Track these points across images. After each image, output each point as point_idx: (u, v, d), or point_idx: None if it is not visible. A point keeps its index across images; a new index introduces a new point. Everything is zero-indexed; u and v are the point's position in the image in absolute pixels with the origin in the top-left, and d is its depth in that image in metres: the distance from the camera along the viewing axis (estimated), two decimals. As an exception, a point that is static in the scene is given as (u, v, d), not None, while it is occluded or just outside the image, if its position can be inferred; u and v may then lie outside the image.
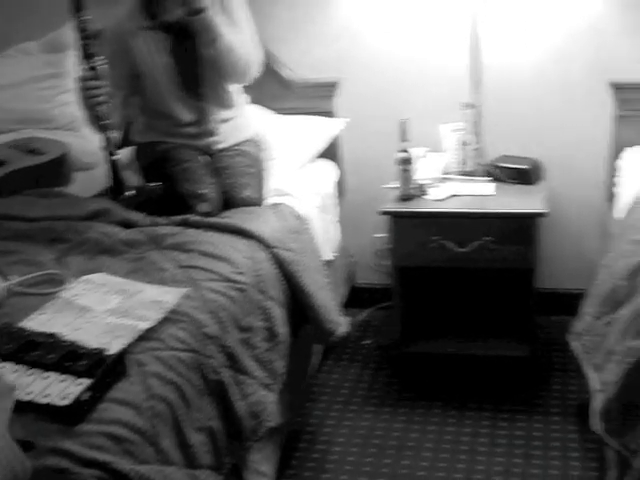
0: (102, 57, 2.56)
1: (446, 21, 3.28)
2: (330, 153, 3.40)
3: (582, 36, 3.21)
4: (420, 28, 3.32)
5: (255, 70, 2.84)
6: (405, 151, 2.99)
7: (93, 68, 2.55)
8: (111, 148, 2.63)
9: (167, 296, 2.05)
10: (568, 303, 3.32)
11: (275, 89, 3.41)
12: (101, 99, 2.56)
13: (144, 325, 1.91)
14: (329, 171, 3.37)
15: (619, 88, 3.22)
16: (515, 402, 2.98)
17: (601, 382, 2.30)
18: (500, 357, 3.17)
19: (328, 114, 3.41)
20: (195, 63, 2.79)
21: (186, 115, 2.85)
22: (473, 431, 2.83)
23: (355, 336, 3.39)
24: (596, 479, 2.53)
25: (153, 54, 2.79)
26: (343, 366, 3.28)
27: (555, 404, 2.96)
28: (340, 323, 2.71)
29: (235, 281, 2.28)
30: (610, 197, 3.25)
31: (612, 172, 3.25)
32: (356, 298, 3.53)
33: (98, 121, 2.60)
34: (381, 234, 3.48)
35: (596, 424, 2.22)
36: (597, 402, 2.26)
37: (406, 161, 3.00)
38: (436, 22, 3.30)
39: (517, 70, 3.31)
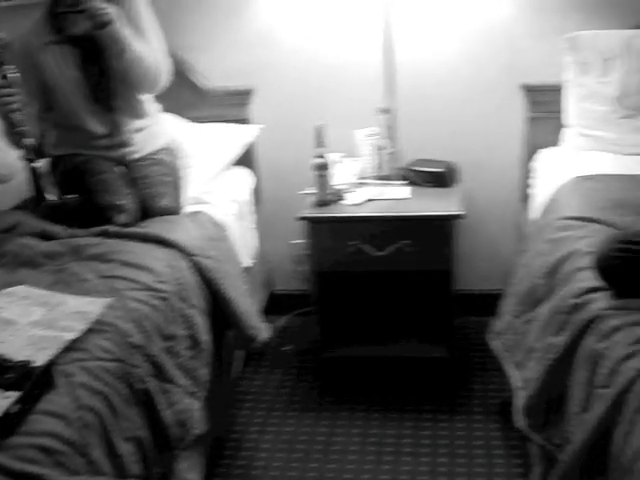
0: (13, 66, 2.56)
1: (360, 27, 3.36)
2: (246, 160, 3.44)
3: (495, 39, 3.33)
4: (334, 34, 3.39)
5: (165, 80, 2.88)
6: (321, 157, 3.05)
7: (4, 77, 2.54)
8: (31, 156, 2.62)
9: (91, 306, 2.07)
10: (485, 304, 3.44)
11: (190, 98, 3.44)
12: (15, 106, 2.55)
13: (69, 336, 1.93)
14: (245, 178, 3.41)
15: (531, 90, 3.35)
16: (437, 403, 3.07)
17: (522, 379, 2.40)
18: (420, 359, 3.26)
19: (243, 121, 3.45)
20: (105, 76, 2.80)
21: (99, 128, 2.85)
22: (397, 432, 2.90)
23: (275, 342, 3.44)
24: (521, 475, 2.63)
25: (62, 68, 2.79)
26: (264, 373, 3.33)
27: (477, 403, 3.06)
28: (262, 329, 2.78)
29: (157, 290, 2.31)
30: (525, 198, 3.37)
31: (526, 173, 3.38)
32: (274, 305, 3.57)
33: (13, 129, 2.59)
34: (298, 240, 3.54)
35: (519, 420, 2.31)
36: (519, 399, 2.35)
37: (322, 167, 3.06)
38: (350, 28, 3.37)
39: (431, 74, 3.41)
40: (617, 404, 1.75)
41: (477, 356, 3.36)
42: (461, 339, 3.47)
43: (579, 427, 1.91)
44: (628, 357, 1.83)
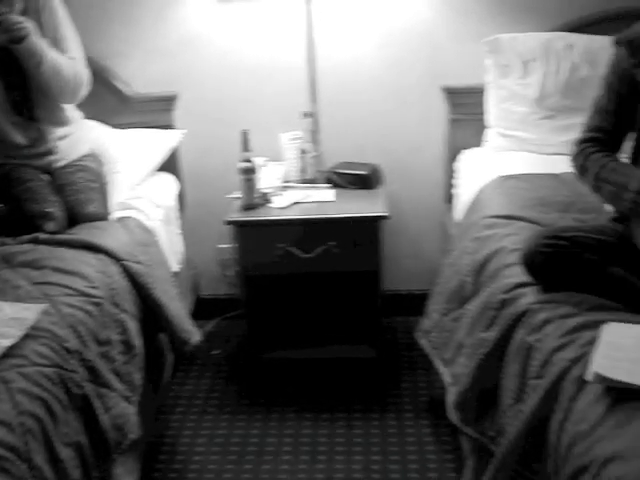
0: None
1: (282, 32, 3.39)
2: (169, 166, 3.44)
3: (416, 43, 3.40)
4: (257, 39, 3.42)
5: (85, 89, 2.88)
6: (248, 161, 3.07)
7: None
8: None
9: (26, 313, 2.06)
10: (412, 304, 3.53)
11: (114, 104, 3.42)
12: None
13: (6, 342, 1.92)
14: (170, 184, 3.41)
15: (452, 93, 3.44)
16: (368, 402, 3.11)
17: (452, 375, 2.47)
18: (349, 359, 3.30)
19: (168, 127, 3.45)
20: (25, 87, 2.78)
21: (21, 138, 2.83)
22: (330, 432, 2.94)
23: (203, 347, 3.43)
24: (453, 470, 2.69)
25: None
26: (195, 377, 3.33)
27: (406, 401, 3.11)
28: (193, 332, 2.80)
29: (90, 295, 2.31)
30: (449, 199, 3.46)
31: (449, 174, 3.47)
32: (201, 309, 3.57)
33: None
34: (225, 244, 3.56)
35: (452, 415, 2.37)
36: (451, 395, 2.41)
37: (249, 171, 3.09)
38: (273, 33, 3.40)
39: (353, 78, 3.46)
40: (551, 393, 1.82)
41: (405, 355, 3.42)
42: (389, 339, 3.53)
43: (514, 418, 1.98)
44: (559, 348, 1.90)
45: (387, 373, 3.30)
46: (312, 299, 3.40)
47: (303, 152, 3.35)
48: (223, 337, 3.62)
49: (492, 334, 2.23)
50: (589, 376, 1.69)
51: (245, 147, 3.06)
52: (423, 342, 2.83)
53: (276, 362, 3.30)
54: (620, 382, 1.64)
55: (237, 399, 3.18)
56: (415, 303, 3.49)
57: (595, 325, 1.91)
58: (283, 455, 2.82)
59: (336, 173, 3.36)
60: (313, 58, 3.37)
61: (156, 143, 3.32)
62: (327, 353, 3.30)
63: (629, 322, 1.92)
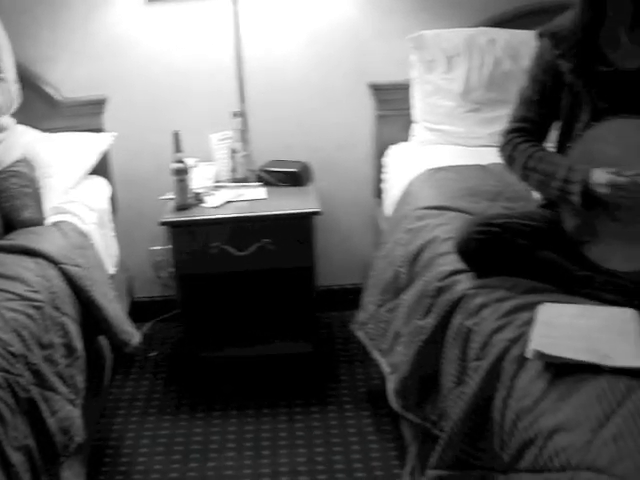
0: None
1: (210, 33, 3.42)
2: (100, 169, 3.43)
3: (341, 41, 3.46)
4: (186, 41, 3.44)
5: (16, 103, 2.92)
6: (180, 162, 3.09)
7: None
8: None
9: (-30, 318, 2.05)
10: (344, 298, 3.58)
11: (43, 109, 3.39)
12: None
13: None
14: (102, 187, 3.40)
15: (378, 89, 3.50)
16: (308, 396, 3.15)
17: (391, 364, 2.52)
18: (287, 355, 3.34)
19: (98, 131, 3.43)
20: None
21: None
22: (272, 427, 2.97)
23: (141, 349, 3.43)
24: (396, 457, 2.74)
25: None
26: (134, 380, 3.33)
27: (346, 393, 3.16)
28: (133, 333, 2.81)
29: (31, 299, 2.31)
30: (378, 193, 3.52)
31: (378, 169, 3.53)
32: (136, 312, 3.55)
33: None
34: (158, 246, 3.57)
35: (394, 403, 2.42)
36: (391, 383, 2.46)
37: (181, 171, 3.10)
38: (201, 34, 3.42)
39: (281, 76, 3.50)
40: (493, 373, 1.89)
41: (341, 349, 3.48)
42: (325, 334, 3.58)
43: (457, 400, 2.04)
44: (498, 330, 1.97)
45: (325, 367, 3.35)
46: (248, 297, 3.43)
47: (233, 152, 3.37)
48: (160, 339, 3.63)
49: (430, 321, 2.29)
50: (529, 353, 1.76)
51: (177, 148, 3.08)
52: (360, 334, 2.88)
53: (215, 361, 3.31)
54: (559, 357, 1.71)
55: (178, 399, 3.18)
56: (348, 297, 3.58)
57: (530, 307, 1.99)
58: (227, 452, 2.84)
59: (267, 171, 3.39)
60: (241, 58, 3.40)
61: (87, 147, 3.31)
62: (265, 350, 3.33)
63: (562, 302, 2.00)
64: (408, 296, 2.51)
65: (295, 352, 3.34)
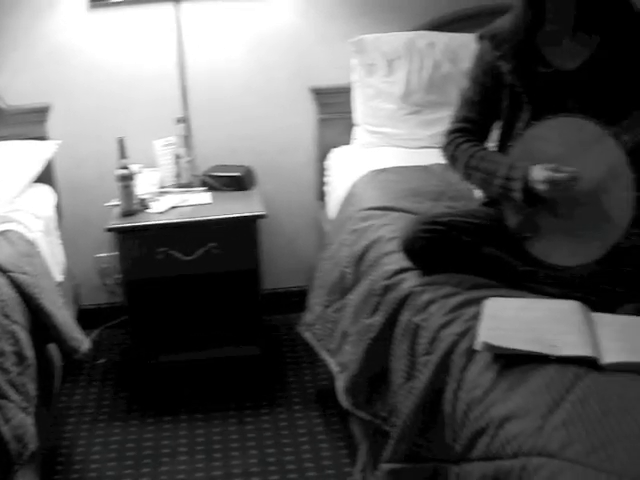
0: None
1: (153, 39, 3.42)
2: (45, 177, 3.40)
3: (282, 45, 3.49)
4: (129, 47, 3.43)
5: None
6: (125, 168, 3.08)
7: None
8: None
9: None
10: (289, 301, 3.61)
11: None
12: None
13: None
14: (47, 195, 3.37)
15: (320, 93, 3.54)
16: (258, 399, 3.16)
17: (339, 363, 2.55)
18: (235, 358, 3.35)
19: (42, 139, 3.40)
20: None
21: None
22: (223, 430, 2.97)
23: (90, 356, 3.40)
24: (347, 456, 2.77)
25: None
26: (83, 387, 3.30)
27: (295, 394, 3.18)
28: (82, 340, 2.80)
29: (-20, 307, 2.29)
30: (321, 196, 3.56)
31: (321, 172, 3.57)
32: (83, 320, 3.51)
33: None
34: (103, 253, 3.55)
35: (344, 401, 2.45)
36: (340, 381, 2.49)
37: (126, 177, 3.10)
38: (144, 41, 3.42)
39: (223, 81, 3.51)
40: (442, 367, 1.93)
41: (288, 351, 3.50)
42: (272, 336, 3.59)
43: (407, 395, 2.08)
44: (445, 325, 2.02)
45: (273, 369, 3.37)
46: (195, 301, 3.43)
47: (177, 157, 3.38)
48: (108, 346, 3.60)
49: (377, 319, 2.33)
50: (478, 346, 1.81)
51: (122, 154, 3.07)
52: (307, 335, 2.91)
53: (163, 366, 3.32)
54: (507, 349, 1.76)
55: (128, 405, 3.17)
56: (293, 300, 3.60)
57: (476, 302, 2.04)
58: (179, 456, 2.84)
59: (211, 176, 3.40)
60: (184, 64, 3.40)
61: (31, 155, 3.27)
62: (213, 354, 3.34)
63: (507, 297, 2.05)
64: (355, 296, 2.54)
65: (243, 355, 3.36)
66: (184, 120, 3.39)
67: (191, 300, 3.41)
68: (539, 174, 2.12)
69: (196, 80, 3.46)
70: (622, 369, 1.66)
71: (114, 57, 3.43)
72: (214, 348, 3.36)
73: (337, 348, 2.61)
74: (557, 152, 2.16)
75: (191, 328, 3.43)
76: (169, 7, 3.29)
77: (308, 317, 2.93)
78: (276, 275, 3.77)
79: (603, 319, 1.88)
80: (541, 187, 2.12)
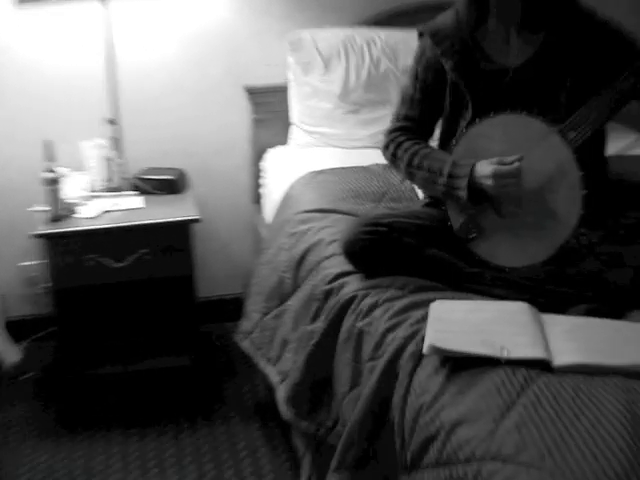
0: None
1: (81, 38, 3.35)
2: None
3: (216, 43, 3.46)
4: (57, 47, 3.35)
5: None
6: (52, 171, 3.02)
7: None
8: None
9: None
10: (224, 309, 3.57)
11: None
12: None
13: None
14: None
15: (254, 92, 3.51)
16: (194, 413, 3.11)
17: (280, 372, 2.52)
18: (170, 369, 3.29)
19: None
20: None
21: None
22: (158, 445, 2.92)
23: (16, 371, 3.33)
24: (290, 468, 2.75)
25: None
26: (8, 404, 3.20)
27: (233, 407, 3.14)
28: (11, 351, 2.73)
29: None
30: (257, 199, 3.53)
31: (257, 174, 3.54)
32: (8, 332, 3.45)
33: None
34: (29, 261, 3.48)
35: (285, 412, 2.41)
36: (281, 391, 2.46)
37: (53, 181, 3.03)
38: (72, 39, 3.35)
39: (154, 81, 3.47)
40: (389, 372, 1.92)
41: (224, 362, 3.45)
42: (208, 346, 3.55)
43: (353, 403, 2.06)
44: (391, 329, 2.02)
45: (209, 381, 3.32)
46: (127, 310, 3.37)
47: (108, 160, 3.32)
48: (35, 359, 3.50)
49: (319, 325, 2.31)
50: (426, 349, 1.80)
51: (49, 157, 3.01)
52: (245, 344, 2.87)
53: (95, 379, 3.24)
54: (455, 352, 1.76)
55: (57, 421, 3.09)
56: (230, 308, 3.56)
57: (422, 304, 2.04)
58: (113, 474, 2.77)
59: (142, 179, 3.35)
60: (114, 63, 3.34)
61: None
62: (147, 365, 3.28)
63: (452, 299, 2.05)
64: (294, 301, 2.52)
65: (178, 366, 3.30)
66: (114, 121, 3.34)
67: (123, 309, 3.35)
68: (484, 169, 2.13)
69: (127, 79, 3.40)
70: (574, 371, 1.67)
71: (41, 56, 3.35)
72: (148, 359, 3.30)
73: (277, 356, 2.58)
74: (502, 149, 2.17)
75: (123, 338, 3.36)
76: (98, 4, 3.22)
77: (245, 325, 2.89)
78: (211, 282, 3.73)
79: (553, 320, 1.89)
80: (487, 182, 2.12)
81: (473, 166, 2.16)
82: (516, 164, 2.11)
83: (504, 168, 2.10)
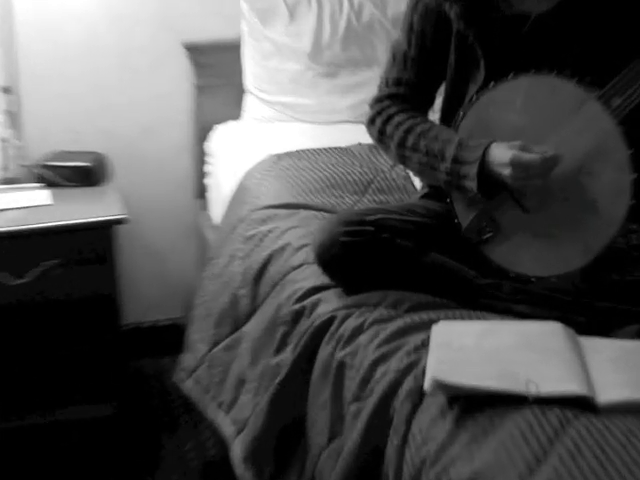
0: None
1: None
2: None
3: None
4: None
5: None
6: None
7: None
8: None
9: None
10: (159, 339, 3.55)
11: None
12: None
13: None
14: None
15: (195, 50, 3.50)
16: (124, 475, 3.10)
17: (234, 421, 2.50)
18: (87, 420, 3.27)
19: None
20: None
21: None
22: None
23: None
24: None
25: None
26: None
27: (173, 469, 3.12)
28: None
29: None
30: (201, 193, 3.52)
31: (200, 159, 3.53)
32: None
33: None
34: None
35: (243, 475, 2.39)
36: (237, 447, 2.43)
37: None
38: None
39: (65, 40, 3.46)
40: (380, 416, 1.91)
41: (161, 409, 3.44)
42: (137, 389, 3.53)
43: (333, 458, 2.05)
44: (381, 360, 2.00)
45: (141, 435, 3.30)
46: (31, 339, 3.34)
47: (2, 142, 3.31)
48: None
49: (286, 356, 2.31)
50: (427, 385, 1.79)
51: None
52: (187, 385, 2.85)
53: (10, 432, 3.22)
54: (466, 388, 1.75)
55: None
56: (166, 337, 3.54)
57: (421, 327, 2.04)
58: None
59: (48, 167, 3.34)
60: (10, 14, 3.33)
61: None
62: (60, 415, 3.26)
63: (461, 319, 2.05)
64: (253, 327, 2.53)
65: (99, 416, 3.28)
66: (9, 90, 3.32)
67: (26, 338, 3.32)
68: (502, 155, 2.11)
69: (27, 36, 3.39)
70: (623, 410, 1.67)
71: None
72: (58, 409, 3.27)
73: (231, 400, 2.58)
74: (522, 123, 2.17)
75: (25, 380, 3.33)
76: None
77: (188, 360, 2.88)
78: (141, 303, 3.72)
79: (595, 344, 1.89)
80: (505, 172, 2.11)
81: (486, 148, 2.15)
82: (549, 153, 2.08)
83: (528, 157, 2.07)
